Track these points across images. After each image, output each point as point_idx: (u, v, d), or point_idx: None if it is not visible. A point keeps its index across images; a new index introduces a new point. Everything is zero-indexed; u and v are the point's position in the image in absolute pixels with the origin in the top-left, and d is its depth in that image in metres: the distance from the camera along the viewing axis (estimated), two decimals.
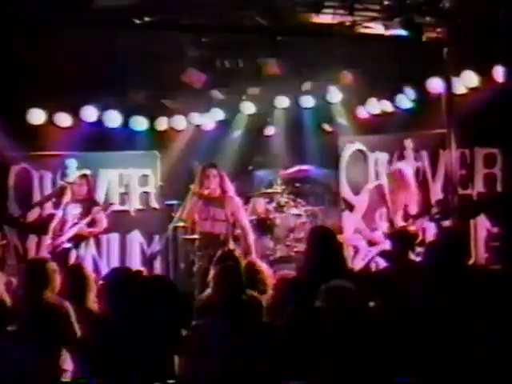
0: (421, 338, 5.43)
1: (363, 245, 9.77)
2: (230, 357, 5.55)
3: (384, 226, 9.80)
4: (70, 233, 10.13)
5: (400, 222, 9.83)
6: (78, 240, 10.25)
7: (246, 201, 11.35)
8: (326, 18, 9.94)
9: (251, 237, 9.80)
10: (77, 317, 6.32)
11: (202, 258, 9.61)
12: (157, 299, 6.11)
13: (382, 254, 9.45)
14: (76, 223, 10.17)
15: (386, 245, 9.52)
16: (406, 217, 9.96)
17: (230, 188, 9.86)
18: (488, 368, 5.22)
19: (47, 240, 10.32)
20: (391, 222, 9.77)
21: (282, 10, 9.57)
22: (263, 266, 7.34)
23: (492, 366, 5.22)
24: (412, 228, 10.64)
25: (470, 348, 5.31)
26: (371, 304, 7.00)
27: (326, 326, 5.36)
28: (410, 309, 5.71)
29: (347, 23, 10.02)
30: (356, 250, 9.86)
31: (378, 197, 9.93)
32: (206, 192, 9.71)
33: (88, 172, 10.73)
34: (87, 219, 10.15)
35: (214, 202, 9.76)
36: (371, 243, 9.75)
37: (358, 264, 9.73)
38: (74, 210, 10.27)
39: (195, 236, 10.07)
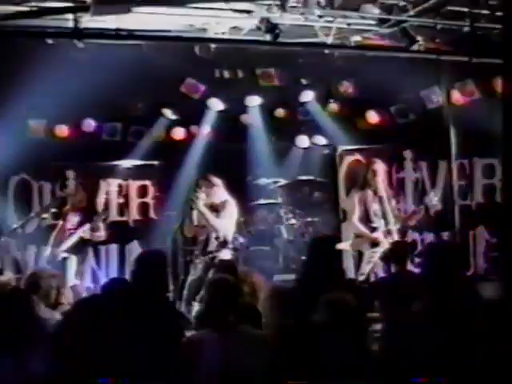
0: (420, 348, 5.37)
1: (367, 247, 9.76)
2: (225, 370, 5.48)
3: (382, 224, 9.81)
4: (69, 241, 10.09)
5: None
6: (78, 247, 10.19)
7: (246, 212, 11.27)
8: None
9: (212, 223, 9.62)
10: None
11: (199, 266, 9.53)
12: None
13: (384, 257, 9.42)
14: (75, 231, 10.12)
15: (388, 243, 9.52)
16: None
17: (227, 195, 9.74)
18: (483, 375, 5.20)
19: (47, 249, 10.25)
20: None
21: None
22: (256, 277, 7.30)
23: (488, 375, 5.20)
24: (409, 239, 10.75)
25: (468, 357, 5.27)
26: (371, 315, 7.07)
27: (326, 339, 5.29)
28: (408, 319, 5.68)
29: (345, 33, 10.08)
30: (360, 255, 9.83)
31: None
32: (203, 202, 9.61)
33: (87, 182, 10.70)
34: (88, 226, 10.10)
35: (212, 209, 9.63)
36: (374, 244, 9.74)
37: (363, 269, 9.70)
38: (74, 220, 10.24)
39: (194, 247, 9.88)
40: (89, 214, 10.36)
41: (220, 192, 9.67)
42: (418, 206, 10.75)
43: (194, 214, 9.66)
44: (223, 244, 9.55)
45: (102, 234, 10.39)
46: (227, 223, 9.59)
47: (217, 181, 9.69)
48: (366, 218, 9.80)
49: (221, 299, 5.77)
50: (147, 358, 5.65)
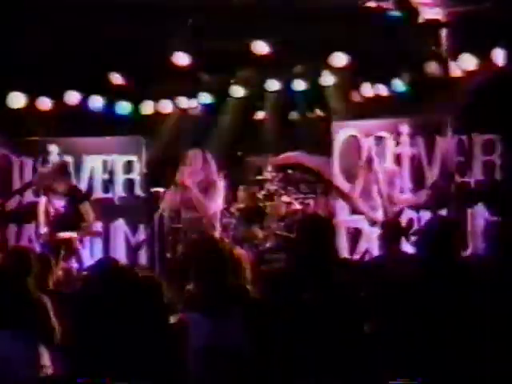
0: (413, 330, 5.35)
1: (366, 226, 9.81)
2: (214, 354, 5.45)
3: (379, 203, 9.78)
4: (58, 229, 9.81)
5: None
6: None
7: (236, 188, 11.33)
8: None
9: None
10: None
11: (186, 244, 9.55)
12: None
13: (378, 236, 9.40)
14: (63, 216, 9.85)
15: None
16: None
17: (215, 171, 9.75)
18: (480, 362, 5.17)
19: (43, 229, 10.00)
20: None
21: None
22: (241, 252, 7.15)
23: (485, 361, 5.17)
24: (403, 218, 10.57)
25: (462, 340, 5.24)
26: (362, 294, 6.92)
27: (315, 319, 5.28)
28: (401, 299, 5.62)
29: None
30: (359, 233, 9.87)
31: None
32: (190, 179, 9.60)
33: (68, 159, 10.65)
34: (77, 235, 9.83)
35: (199, 186, 9.64)
36: (374, 223, 9.70)
37: (359, 248, 9.75)
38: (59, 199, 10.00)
39: (181, 225, 9.97)
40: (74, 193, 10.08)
41: (209, 169, 9.67)
42: (416, 192, 10.63)
43: (181, 191, 9.64)
44: (212, 222, 9.60)
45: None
46: (215, 201, 9.62)
47: (207, 157, 9.72)
48: (364, 197, 9.65)
49: (206, 279, 5.73)
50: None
